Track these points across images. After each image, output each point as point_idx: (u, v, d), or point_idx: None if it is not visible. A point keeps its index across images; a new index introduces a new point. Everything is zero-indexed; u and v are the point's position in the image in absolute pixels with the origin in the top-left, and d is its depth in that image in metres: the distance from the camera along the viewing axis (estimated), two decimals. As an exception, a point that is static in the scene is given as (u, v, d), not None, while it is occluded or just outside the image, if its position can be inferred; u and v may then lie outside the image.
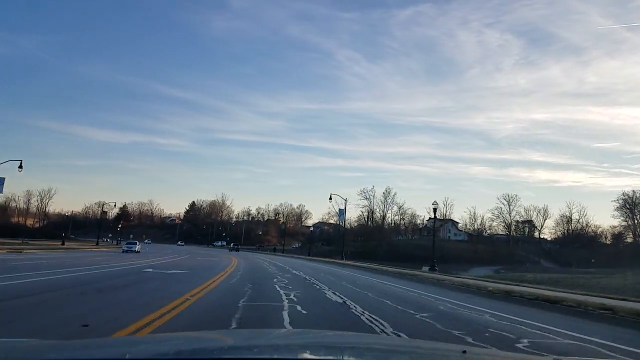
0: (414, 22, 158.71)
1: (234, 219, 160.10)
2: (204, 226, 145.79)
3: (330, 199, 40.18)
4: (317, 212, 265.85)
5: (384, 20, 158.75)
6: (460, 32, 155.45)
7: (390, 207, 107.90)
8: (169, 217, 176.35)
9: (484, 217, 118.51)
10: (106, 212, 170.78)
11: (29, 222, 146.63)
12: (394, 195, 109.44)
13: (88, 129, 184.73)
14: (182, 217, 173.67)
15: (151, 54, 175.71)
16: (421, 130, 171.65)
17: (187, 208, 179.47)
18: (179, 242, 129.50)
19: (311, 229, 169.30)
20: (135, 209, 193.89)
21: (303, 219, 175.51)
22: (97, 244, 70.63)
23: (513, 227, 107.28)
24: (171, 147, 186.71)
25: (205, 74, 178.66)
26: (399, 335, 7.25)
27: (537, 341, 7.28)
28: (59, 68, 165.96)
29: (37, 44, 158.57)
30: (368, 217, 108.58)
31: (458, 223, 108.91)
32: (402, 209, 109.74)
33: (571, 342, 7.48)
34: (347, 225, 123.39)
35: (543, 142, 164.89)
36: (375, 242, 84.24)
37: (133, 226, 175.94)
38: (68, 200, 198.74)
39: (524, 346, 6.81)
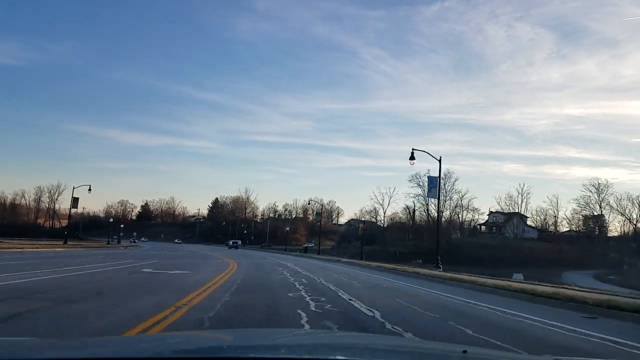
0: (441, 17, 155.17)
1: (259, 217, 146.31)
2: (224, 222, 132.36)
3: (412, 157, 24.64)
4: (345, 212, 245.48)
5: (410, 17, 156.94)
6: (489, 27, 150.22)
7: (449, 196, 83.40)
8: (193, 216, 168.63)
9: (548, 212, 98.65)
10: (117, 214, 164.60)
11: (39, 220, 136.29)
12: (454, 182, 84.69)
13: (120, 132, 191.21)
14: (206, 216, 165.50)
15: (180, 58, 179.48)
16: (450, 128, 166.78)
17: (210, 205, 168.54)
18: (176, 240, 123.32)
19: (344, 225, 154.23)
20: (156, 207, 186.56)
21: (334, 217, 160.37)
22: (108, 243, 69.63)
23: (590, 222, 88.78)
24: (199, 149, 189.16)
25: (232, 76, 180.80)
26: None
27: None
28: (93, 74, 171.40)
29: (72, 50, 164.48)
30: (419, 210, 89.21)
31: (527, 218, 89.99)
32: (465, 198, 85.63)
33: None
34: (386, 221, 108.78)
35: (578, 138, 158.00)
36: (429, 240, 67.98)
37: (156, 225, 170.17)
38: (96, 202, 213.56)
39: None
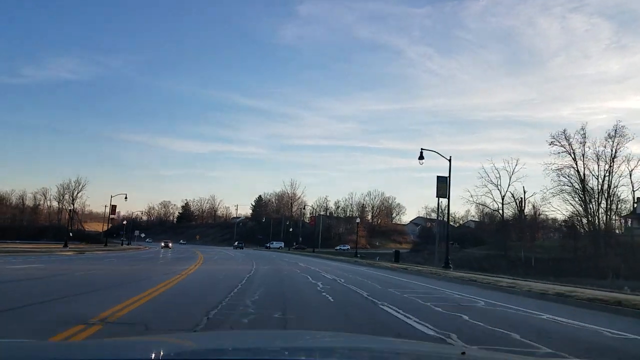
0: (489, 12, 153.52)
1: (308, 215, 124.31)
2: (263, 219, 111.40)
3: (422, 157, 8.78)
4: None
5: (457, 13, 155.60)
6: (542, 19, 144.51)
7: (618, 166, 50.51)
8: (237, 218, 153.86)
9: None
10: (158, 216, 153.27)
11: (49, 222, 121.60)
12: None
13: (171, 140, 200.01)
14: (249, 216, 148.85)
15: (227, 66, 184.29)
16: (503, 125, 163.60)
17: (253, 204, 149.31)
18: (181, 241, 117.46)
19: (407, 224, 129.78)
20: (197, 206, 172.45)
21: (394, 215, 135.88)
22: (122, 244, 69.52)
23: None
24: (246, 155, 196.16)
25: (277, 82, 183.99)
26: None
27: None
28: (144, 84, 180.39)
29: (126, 63, 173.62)
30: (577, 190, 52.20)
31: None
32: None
33: None
34: (493, 213, 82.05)
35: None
36: (591, 241, 41.86)
37: (195, 226, 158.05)
38: (141, 205, 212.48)
39: None
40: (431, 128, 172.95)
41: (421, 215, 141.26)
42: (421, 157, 29.41)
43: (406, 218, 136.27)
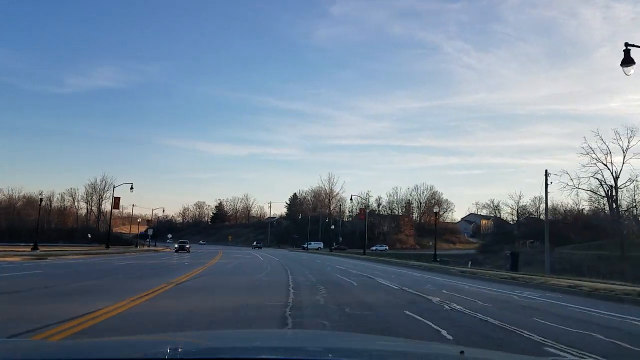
0: (528, 4, 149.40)
1: (347, 213, 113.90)
2: (300, 216, 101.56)
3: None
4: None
5: (494, 6, 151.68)
6: (584, 9, 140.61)
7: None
8: (272, 218, 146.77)
9: None
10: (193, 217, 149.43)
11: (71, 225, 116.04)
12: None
13: (209, 144, 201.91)
14: (284, 215, 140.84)
15: (261, 69, 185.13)
16: (546, 120, 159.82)
17: (288, 202, 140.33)
18: (201, 241, 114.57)
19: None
20: (230, 206, 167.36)
21: (443, 212, 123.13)
22: (107, 246, 56.03)
23: None
24: (281, 157, 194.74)
25: (310, 83, 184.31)
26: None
27: None
28: (181, 90, 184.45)
29: (161, 70, 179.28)
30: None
31: None
32: None
33: None
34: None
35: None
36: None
37: (229, 227, 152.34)
38: (177, 208, 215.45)
39: None
40: (471, 124, 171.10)
41: (473, 212, 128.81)
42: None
43: (453, 215, 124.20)
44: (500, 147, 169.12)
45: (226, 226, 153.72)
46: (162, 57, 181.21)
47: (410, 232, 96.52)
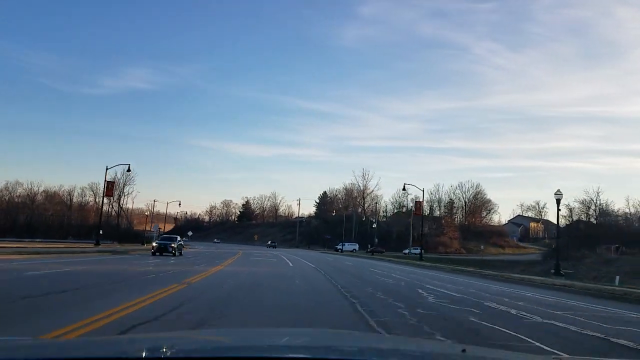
0: (561, 4, 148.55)
1: (382, 212, 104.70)
2: (334, 212, 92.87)
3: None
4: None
5: (526, 6, 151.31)
6: (619, 9, 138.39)
7: None
8: (301, 217, 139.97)
9: None
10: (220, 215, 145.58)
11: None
12: None
13: (235, 144, 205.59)
14: (313, 214, 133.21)
15: (289, 71, 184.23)
16: (579, 122, 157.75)
17: (317, 201, 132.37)
18: (215, 240, 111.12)
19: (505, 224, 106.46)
20: (257, 204, 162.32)
21: (485, 214, 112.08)
22: (97, 243, 50.07)
23: None
24: (308, 158, 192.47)
25: (338, 84, 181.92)
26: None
27: None
28: (212, 92, 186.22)
29: (193, 72, 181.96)
30: None
31: None
32: None
33: None
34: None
35: None
36: None
37: (256, 225, 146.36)
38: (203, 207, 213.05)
39: None
40: (500, 125, 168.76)
41: (520, 214, 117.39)
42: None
43: (495, 218, 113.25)
44: (531, 149, 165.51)
45: (253, 225, 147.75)
46: (194, 60, 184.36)
47: (455, 234, 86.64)
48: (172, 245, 32.65)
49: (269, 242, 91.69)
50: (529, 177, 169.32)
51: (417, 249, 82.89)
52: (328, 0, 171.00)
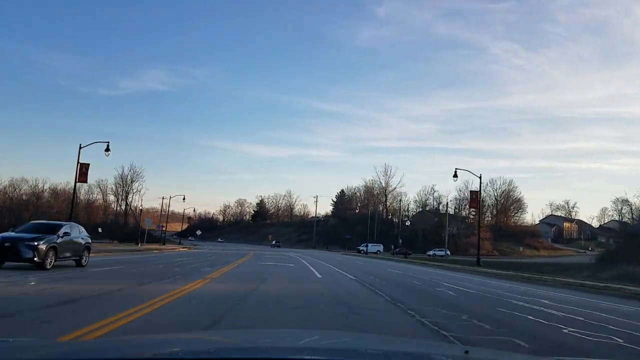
0: (580, 3, 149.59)
1: (405, 211, 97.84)
2: (357, 210, 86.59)
3: (455, 175, 6.97)
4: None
5: (544, 6, 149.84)
6: (638, 8, 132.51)
7: None
8: (317, 217, 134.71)
9: None
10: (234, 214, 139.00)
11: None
12: None
13: (253, 145, 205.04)
14: (329, 213, 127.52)
15: (305, 72, 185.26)
16: (599, 122, 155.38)
17: (334, 200, 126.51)
18: (219, 239, 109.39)
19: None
20: (272, 203, 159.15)
21: (513, 213, 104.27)
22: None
23: None
24: (323, 158, 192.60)
25: (353, 85, 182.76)
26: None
27: None
28: (227, 93, 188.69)
29: (209, 73, 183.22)
30: None
31: None
32: None
33: None
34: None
35: None
36: None
37: (270, 225, 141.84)
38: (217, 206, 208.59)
39: None
40: (518, 126, 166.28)
41: (552, 214, 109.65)
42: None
43: (529, 217, 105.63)
44: (549, 150, 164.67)
45: (267, 224, 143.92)
46: (209, 62, 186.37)
47: (486, 234, 79.60)
48: (34, 243, 14.25)
49: (273, 242, 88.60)
50: (546, 178, 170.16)
51: (442, 250, 76.46)
52: (343, 1, 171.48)
